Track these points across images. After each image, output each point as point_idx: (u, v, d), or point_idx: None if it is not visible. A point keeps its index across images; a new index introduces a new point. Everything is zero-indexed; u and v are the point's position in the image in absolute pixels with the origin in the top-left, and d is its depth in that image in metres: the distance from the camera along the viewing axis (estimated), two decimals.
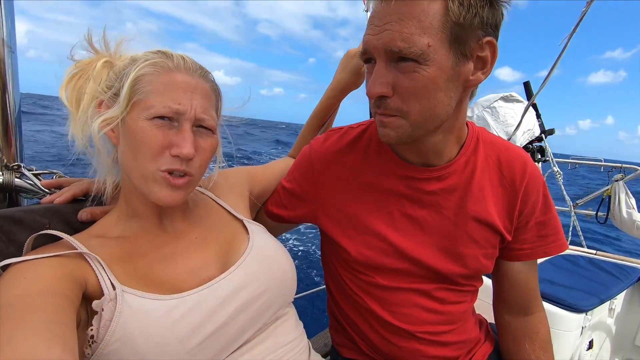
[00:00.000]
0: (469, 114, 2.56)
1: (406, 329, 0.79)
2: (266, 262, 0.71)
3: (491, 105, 2.46)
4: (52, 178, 0.84)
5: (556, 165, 2.59)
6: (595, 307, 1.45)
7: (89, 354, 0.53)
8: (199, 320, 0.57)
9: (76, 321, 0.50)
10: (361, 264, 0.80)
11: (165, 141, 0.59)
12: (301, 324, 0.78)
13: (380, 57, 0.61)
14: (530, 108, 2.13)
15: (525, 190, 0.77)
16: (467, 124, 0.78)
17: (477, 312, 0.96)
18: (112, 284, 0.55)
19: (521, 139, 2.44)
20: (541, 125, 2.53)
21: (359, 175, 0.81)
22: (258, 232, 0.76)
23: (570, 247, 2.07)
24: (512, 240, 0.80)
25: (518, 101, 2.46)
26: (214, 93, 0.68)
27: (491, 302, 0.93)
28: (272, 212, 0.93)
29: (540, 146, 2.54)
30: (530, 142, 2.53)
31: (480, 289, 0.89)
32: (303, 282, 4.73)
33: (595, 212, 3.00)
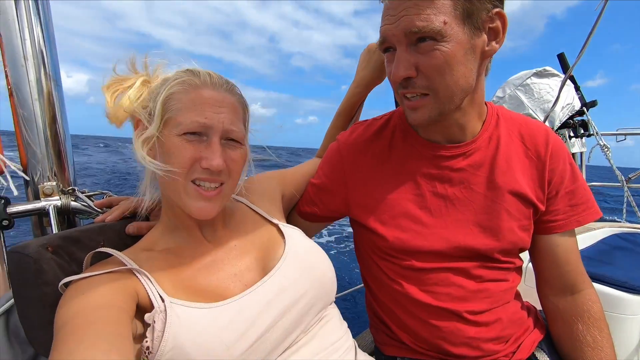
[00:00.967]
0: (499, 94, 2.44)
1: (446, 308, 0.79)
2: (304, 264, 0.72)
3: (524, 83, 2.33)
4: (103, 198, 0.91)
5: (602, 138, 2.41)
6: None
7: None
8: (244, 327, 0.59)
9: (132, 332, 0.53)
10: (396, 248, 0.80)
11: (195, 154, 0.62)
12: (345, 324, 0.79)
13: (401, 42, 0.66)
14: (568, 81, 2.00)
15: (551, 160, 0.79)
16: (485, 103, 0.81)
17: (525, 300, 0.92)
18: (160, 296, 0.58)
19: (560, 115, 2.29)
20: (581, 98, 2.37)
21: (387, 160, 0.83)
22: (294, 235, 0.78)
23: (626, 224, 1.93)
24: (544, 212, 0.80)
25: (553, 75, 2.31)
26: (241, 106, 0.70)
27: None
28: (305, 211, 0.94)
29: (583, 120, 2.38)
30: (571, 117, 2.38)
31: (527, 275, 0.85)
32: (344, 280, 4.73)
33: None
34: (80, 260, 0.64)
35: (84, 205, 0.90)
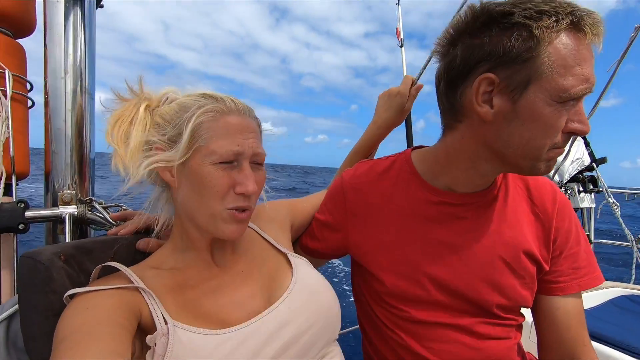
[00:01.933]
0: None
1: None
2: (311, 296, 0.71)
3: None
4: (118, 211, 0.92)
5: (612, 196, 2.41)
6: None
7: None
8: (247, 358, 0.57)
9: (131, 351, 0.52)
10: (395, 296, 0.78)
11: (230, 182, 0.63)
12: None
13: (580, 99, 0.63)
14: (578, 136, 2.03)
15: (557, 218, 0.77)
16: None
17: (526, 350, 0.89)
18: (164, 318, 0.57)
19: (570, 169, 2.32)
20: (591, 154, 2.40)
21: (391, 201, 0.81)
22: (302, 266, 0.77)
23: (635, 285, 1.88)
24: (547, 271, 0.78)
25: None
26: (259, 128, 0.72)
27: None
28: (307, 245, 0.94)
29: (592, 176, 2.40)
30: (581, 172, 2.40)
31: (532, 331, 0.83)
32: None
33: None
34: (89, 271, 0.64)
35: (99, 216, 0.92)
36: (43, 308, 0.59)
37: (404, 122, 1.25)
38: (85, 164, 0.99)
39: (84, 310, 0.53)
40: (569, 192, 2.49)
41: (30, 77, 1.04)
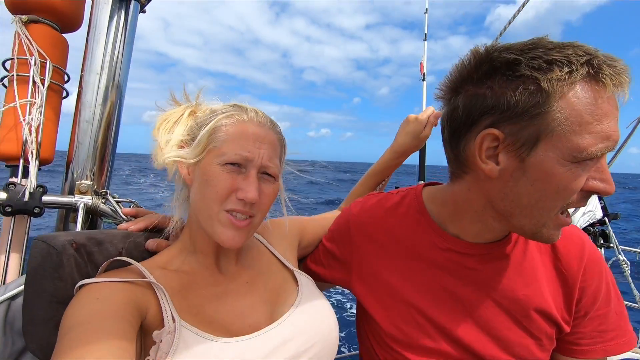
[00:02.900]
0: None
1: None
2: (314, 316, 0.71)
3: None
4: (131, 207, 0.94)
5: (622, 253, 2.35)
6: None
7: None
8: None
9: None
10: (395, 340, 0.73)
11: (233, 185, 0.64)
12: None
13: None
14: None
15: (584, 276, 0.69)
16: None
17: None
18: (172, 316, 0.58)
19: (581, 221, 2.28)
20: (604, 208, 2.37)
21: (397, 241, 0.77)
22: (307, 285, 0.77)
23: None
24: (568, 332, 0.70)
25: None
26: (280, 143, 0.73)
27: None
28: (311, 268, 0.92)
29: (603, 230, 2.35)
30: (592, 225, 2.36)
31: None
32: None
33: None
34: (97, 262, 0.65)
35: (111, 209, 0.93)
36: (48, 293, 0.60)
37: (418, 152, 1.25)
38: (106, 157, 1.02)
39: (94, 301, 0.54)
40: None
41: (68, 68, 1.09)
